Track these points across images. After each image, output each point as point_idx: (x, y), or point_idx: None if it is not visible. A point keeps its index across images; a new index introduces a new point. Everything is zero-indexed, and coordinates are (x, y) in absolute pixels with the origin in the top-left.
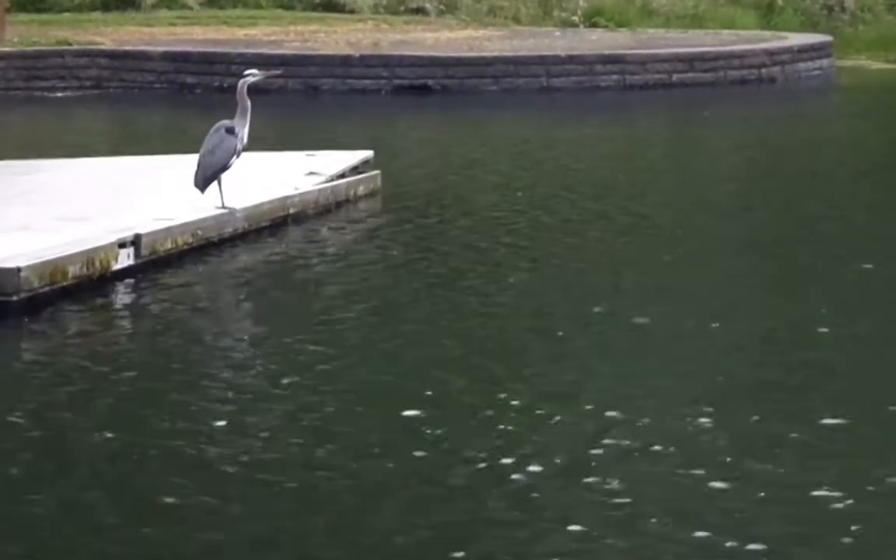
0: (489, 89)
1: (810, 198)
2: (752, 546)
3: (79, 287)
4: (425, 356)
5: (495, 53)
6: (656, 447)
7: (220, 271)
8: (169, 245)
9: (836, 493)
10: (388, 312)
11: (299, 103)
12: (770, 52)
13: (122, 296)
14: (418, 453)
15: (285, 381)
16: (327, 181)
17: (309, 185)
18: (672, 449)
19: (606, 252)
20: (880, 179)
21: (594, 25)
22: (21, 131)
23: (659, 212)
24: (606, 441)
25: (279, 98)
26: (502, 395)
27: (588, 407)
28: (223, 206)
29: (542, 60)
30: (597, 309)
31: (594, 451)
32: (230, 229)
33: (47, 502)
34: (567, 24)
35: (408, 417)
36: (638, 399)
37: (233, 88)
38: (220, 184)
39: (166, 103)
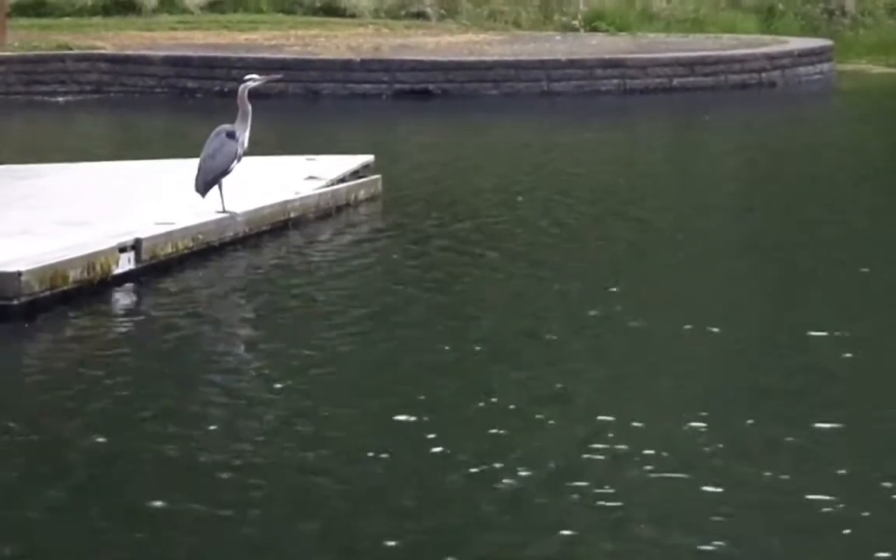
0: (490, 93)
1: (811, 202)
2: (743, 551)
3: (79, 291)
4: (422, 360)
5: (496, 58)
6: (648, 451)
7: (221, 276)
8: (170, 249)
9: (829, 498)
10: (386, 317)
11: (300, 108)
12: (771, 57)
13: (122, 300)
14: (411, 457)
15: (282, 385)
16: (328, 185)
17: (309, 189)
18: (665, 453)
19: (606, 256)
20: (881, 184)
21: (595, 30)
22: (22, 136)
23: (659, 216)
24: (600, 445)
25: (280, 102)
26: (495, 399)
27: (582, 411)
28: (224, 211)
29: (542, 65)
30: (595, 313)
31: (587, 456)
32: (231, 233)
33: (41, 505)
34: (568, 28)
35: (402, 422)
36: (633, 403)
37: (233, 93)
38: (220, 188)
39: (167, 108)
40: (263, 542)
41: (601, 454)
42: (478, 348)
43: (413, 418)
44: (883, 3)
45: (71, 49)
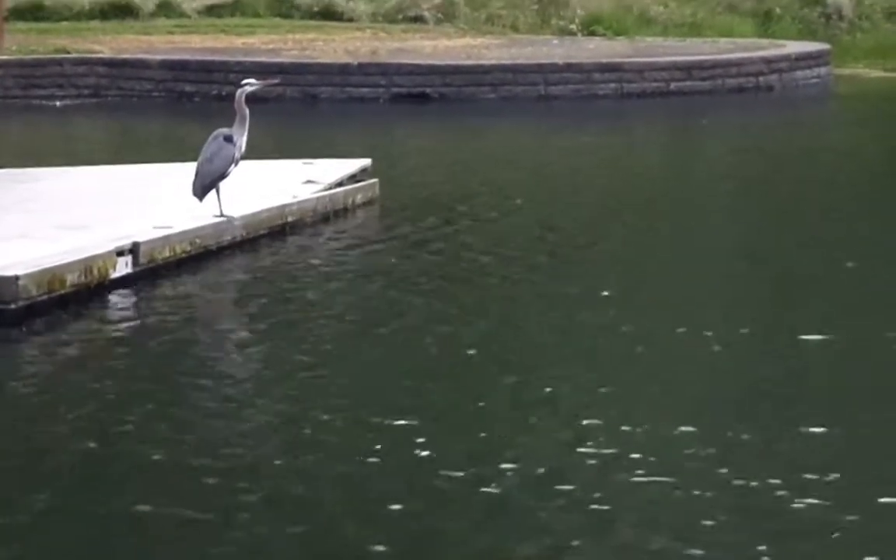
0: (487, 97)
1: (808, 206)
2: (729, 557)
3: (77, 295)
4: (414, 364)
5: (493, 62)
6: (637, 456)
7: (219, 280)
8: (167, 253)
9: (817, 502)
10: (382, 321)
11: (297, 111)
12: (768, 61)
13: (119, 304)
14: (400, 461)
15: (275, 389)
16: (325, 189)
17: (307, 193)
18: (653, 458)
19: (602, 260)
20: (878, 187)
21: (592, 34)
22: (19, 140)
23: (656, 219)
24: (588, 449)
25: (277, 106)
26: (483, 403)
27: (572, 415)
28: (221, 215)
29: (539, 69)
30: (588, 317)
31: (576, 460)
32: (228, 238)
33: (33, 509)
34: (565, 32)
35: (392, 426)
36: (623, 408)
37: (231, 97)
38: (218, 192)
39: (164, 112)
40: (252, 546)
41: (590, 458)
42: (470, 352)
43: (403, 422)
44: (880, 7)
45: (68, 53)
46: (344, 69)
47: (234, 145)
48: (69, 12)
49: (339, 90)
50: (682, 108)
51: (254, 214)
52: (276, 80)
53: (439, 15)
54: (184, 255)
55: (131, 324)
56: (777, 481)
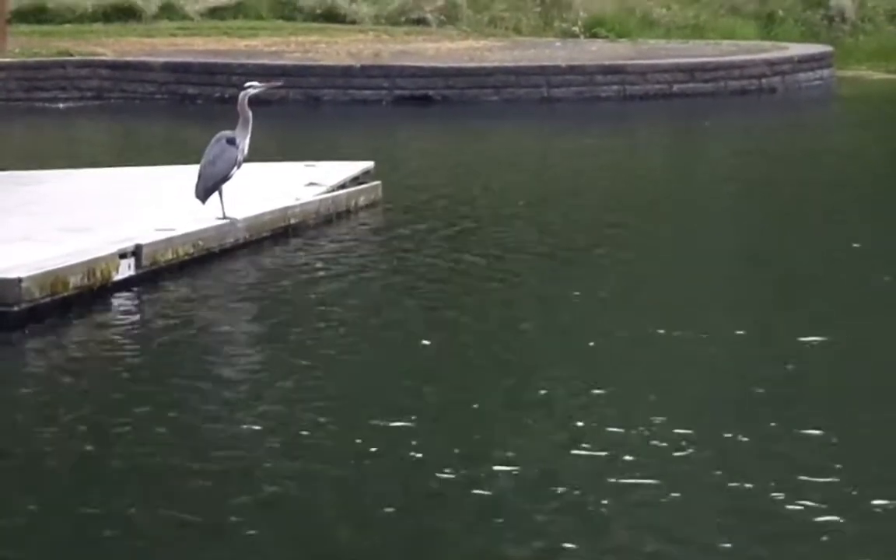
0: (490, 100)
1: (810, 208)
2: (722, 559)
3: (80, 298)
4: (416, 367)
5: (496, 64)
6: (631, 458)
7: (221, 282)
8: (170, 255)
9: (811, 505)
10: (384, 324)
11: (300, 114)
12: (770, 63)
13: (122, 307)
14: (393, 462)
15: (275, 393)
16: (328, 192)
17: (310, 195)
18: (647, 460)
19: (604, 262)
20: (880, 189)
21: (595, 36)
22: (22, 142)
23: (658, 221)
24: (583, 452)
25: (280, 108)
26: (481, 405)
27: (568, 417)
28: (224, 217)
29: (542, 71)
30: (587, 319)
31: (569, 462)
32: (231, 240)
33: (32, 510)
34: (567, 34)
35: (389, 428)
36: (620, 410)
37: (234, 99)
38: (220, 194)
39: (167, 114)
40: (248, 547)
41: (585, 460)
42: (469, 354)
43: (400, 423)
44: (883, 9)
45: (72, 55)
46: (347, 71)
47: (237, 148)
48: (72, 15)
49: (341, 92)
50: (684, 110)
51: (256, 217)
52: (278, 83)
53: (442, 17)
54: (186, 257)
55: (134, 326)
56: (774, 483)
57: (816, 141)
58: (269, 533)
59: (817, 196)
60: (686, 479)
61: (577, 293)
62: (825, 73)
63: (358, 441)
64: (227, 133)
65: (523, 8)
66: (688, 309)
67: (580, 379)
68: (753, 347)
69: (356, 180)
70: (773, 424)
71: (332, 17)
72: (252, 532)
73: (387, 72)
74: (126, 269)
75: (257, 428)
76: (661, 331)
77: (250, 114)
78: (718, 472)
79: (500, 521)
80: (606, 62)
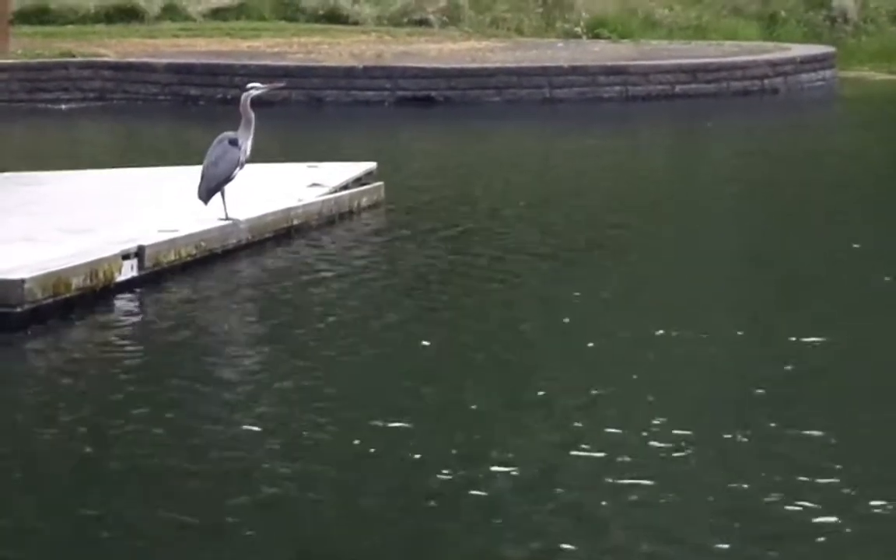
0: (492, 101)
1: (813, 209)
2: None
3: (82, 299)
4: (416, 367)
5: (498, 65)
6: (628, 459)
7: (224, 283)
8: (172, 256)
9: (809, 505)
10: (386, 324)
11: (303, 115)
12: (773, 63)
13: (125, 308)
14: (391, 463)
15: (276, 394)
16: (331, 193)
17: (312, 196)
18: (644, 461)
19: (606, 262)
20: (883, 190)
21: (597, 37)
22: (25, 143)
23: (660, 222)
24: (581, 452)
25: (283, 109)
26: (481, 406)
27: (567, 417)
28: (226, 218)
29: (544, 71)
30: (587, 320)
31: (568, 463)
32: (234, 241)
33: (31, 511)
34: (570, 35)
35: (387, 428)
36: (620, 410)
37: (236, 100)
38: (223, 195)
39: (170, 115)
40: (246, 548)
41: (584, 461)
42: (469, 355)
43: (398, 424)
44: (885, 10)
45: (74, 56)
46: (349, 72)
47: (240, 149)
48: (74, 16)
49: (344, 93)
50: (686, 110)
51: (259, 218)
52: (281, 84)
53: (444, 18)
54: (189, 258)
55: (136, 327)
56: (772, 484)
57: (818, 142)
58: (269, 533)
59: (819, 197)
60: (684, 480)
61: (578, 294)
62: (827, 73)
63: (357, 442)
64: (230, 134)
65: (525, 9)
66: (689, 309)
67: (580, 379)
68: (754, 348)
69: (359, 181)
70: (772, 425)
71: (334, 18)
72: (251, 532)
73: (389, 73)
74: (129, 270)
75: (257, 429)
76: (663, 331)
77: (253, 115)
78: (717, 473)
79: (499, 521)
80: (609, 63)
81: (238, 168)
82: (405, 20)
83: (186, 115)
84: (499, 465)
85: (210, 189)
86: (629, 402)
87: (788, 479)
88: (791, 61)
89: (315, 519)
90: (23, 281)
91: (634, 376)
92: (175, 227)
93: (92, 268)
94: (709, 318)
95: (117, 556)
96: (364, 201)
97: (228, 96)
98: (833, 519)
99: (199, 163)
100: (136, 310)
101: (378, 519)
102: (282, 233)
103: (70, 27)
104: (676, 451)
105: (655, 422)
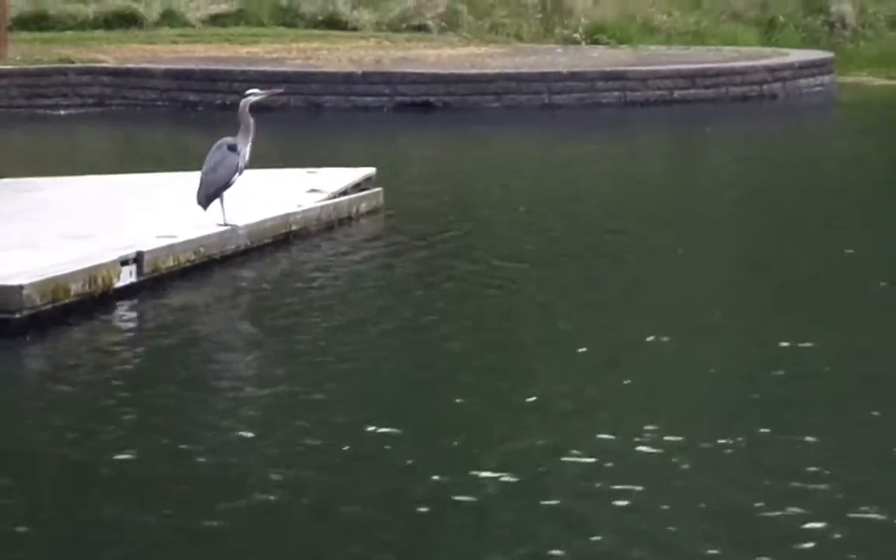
0: (491, 106)
1: (811, 214)
2: None
3: (81, 304)
4: (411, 374)
5: (497, 70)
6: (618, 465)
7: (222, 289)
8: (171, 262)
9: (800, 512)
10: (384, 331)
11: (301, 120)
12: (771, 69)
13: (124, 313)
14: (379, 469)
15: (271, 400)
16: (329, 198)
17: (311, 202)
18: (639, 467)
19: (604, 268)
20: (881, 195)
21: (596, 42)
22: (23, 149)
23: (659, 228)
24: (572, 459)
25: (281, 115)
26: (477, 412)
27: (560, 424)
28: (225, 224)
29: (543, 77)
30: (591, 326)
31: (559, 468)
32: (232, 246)
33: (26, 517)
34: (569, 41)
35: (378, 434)
36: (613, 416)
37: (235, 106)
38: (222, 201)
39: (168, 121)
40: (233, 555)
41: (574, 466)
42: (465, 361)
43: (390, 430)
44: (883, 15)
45: (73, 62)
46: (348, 78)
47: (239, 154)
48: (73, 22)
49: (343, 99)
50: (685, 116)
51: (258, 223)
52: (280, 90)
53: (443, 24)
54: (188, 264)
55: (135, 334)
56: (764, 489)
57: (817, 147)
58: (259, 539)
59: (818, 202)
60: (676, 486)
61: (576, 299)
62: (826, 79)
63: (350, 447)
64: (229, 140)
65: (524, 14)
66: (687, 314)
67: (575, 385)
68: (751, 352)
69: (357, 187)
70: (767, 430)
71: (333, 23)
72: (242, 538)
73: (388, 78)
74: (127, 276)
75: (250, 435)
76: (660, 336)
77: (252, 121)
78: (709, 478)
79: (490, 527)
80: (607, 68)
81: (237, 174)
82: (404, 26)
83: (185, 121)
84: (490, 471)
85: (209, 195)
86: (623, 407)
87: (781, 485)
88: (790, 67)
89: (306, 525)
90: (21, 287)
91: (630, 381)
92: (174, 233)
93: (91, 274)
94: (706, 322)
95: None
96: (363, 207)
97: (227, 102)
98: (825, 525)
99: (198, 168)
100: (134, 316)
101: (369, 524)
102: (281, 238)
103: (69, 33)
104: (669, 456)
105: (649, 427)
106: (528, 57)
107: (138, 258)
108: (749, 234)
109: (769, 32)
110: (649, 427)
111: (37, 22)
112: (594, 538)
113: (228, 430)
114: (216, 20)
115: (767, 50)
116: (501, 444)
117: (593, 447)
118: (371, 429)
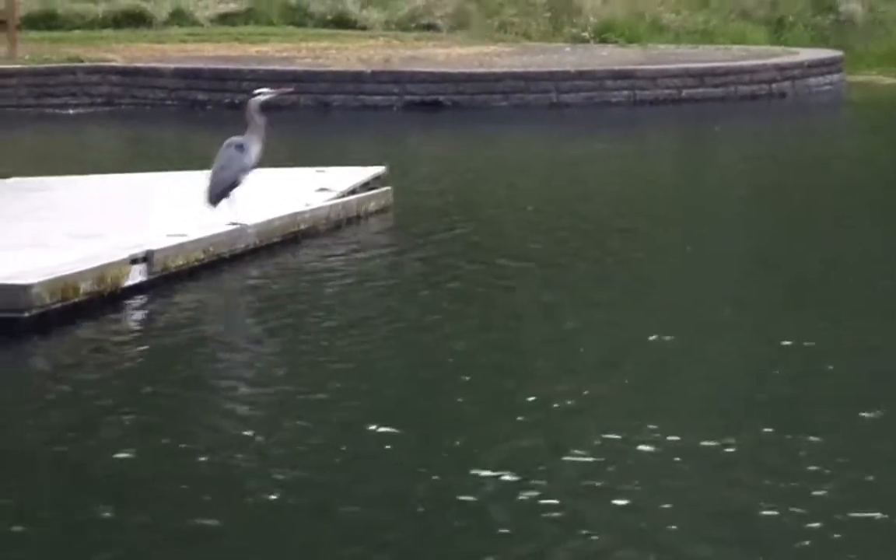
0: (500, 105)
1: (820, 213)
2: None
3: (90, 304)
4: (417, 373)
5: (506, 69)
6: (616, 466)
7: (232, 288)
8: (181, 261)
9: (801, 512)
10: (392, 330)
11: (311, 119)
12: (780, 68)
13: (133, 313)
14: (377, 468)
15: (277, 399)
16: (339, 197)
17: (320, 201)
18: (639, 467)
19: (613, 267)
20: (891, 194)
21: (604, 41)
22: (33, 148)
23: (668, 227)
24: (572, 458)
25: (291, 114)
26: (477, 411)
27: (563, 423)
28: (235, 223)
29: (552, 76)
30: (598, 324)
31: (558, 468)
32: (242, 245)
33: (21, 517)
34: (577, 39)
35: (378, 434)
36: (616, 415)
37: (244, 105)
38: (231, 200)
39: (177, 120)
40: (231, 555)
41: (574, 467)
42: (471, 360)
43: (390, 429)
44: (893, 14)
45: (82, 61)
46: (357, 77)
47: (248, 153)
48: (82, 21)
49: (352, 98)
50: (694, 115)
51: (267, 222)
52: (289, 89)
53: (452, 23)
54: (197, 263)
55: (141, 333)
56: (765, 489)
57: (826, 146)
58: (258, 539)
59: (827, 201)
60: (680, 486)
61: (584, 298)
62: (835, 77)
63: (352, 447)
64: (238, 139)
65: (533, 13)
66: (696, 312)
67: (582, 384)
68: (760, 352)
69: (366, 186)
70: (772, 430)
71: (342, 22)
72: (241, 539)
73: (397, 77)
74: (137, 275)
75: (252, 435)
76: (669, 336)
77: (262, 120)
78: (711, 478)
79: (489, 527)
80: (616, 67)
81: (245, 173)
82: (413, 25)
83: (194, 120)
84: (492, 470)
85: (218, 194)
86: (629, 405)
87: (784, 485)
88: (799, 65)
89: (306, 525)
90: (30, 286)
91: (637, 380)
92: (183, 232)
93: (100, 273)
94: (715, 321)
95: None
96: (372, 206)
97: (236, 101)
98: (827, 525)
99: (207, 167)
100: (142, 315)
101: (369, 524)
102: (289, 237)
103: (77, 32)
104: (672, 455)
105: (654, 426)
106: (537, 56)
107: (148, 257)
108: (758, 233)
109: (778, 31)
110: (654, 426)
111: (46, 21)
112: (594, 538)
113: (229, 429)
114: (225, 19)
115: (777, 49)
116: (504, 443)
117: (597, 446)
118: (373, 428)
